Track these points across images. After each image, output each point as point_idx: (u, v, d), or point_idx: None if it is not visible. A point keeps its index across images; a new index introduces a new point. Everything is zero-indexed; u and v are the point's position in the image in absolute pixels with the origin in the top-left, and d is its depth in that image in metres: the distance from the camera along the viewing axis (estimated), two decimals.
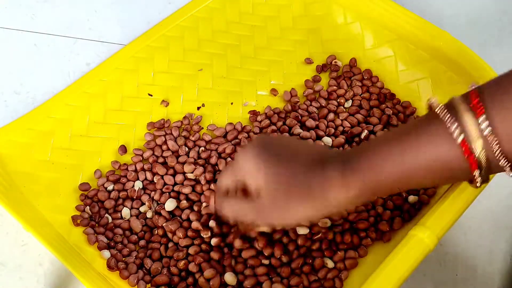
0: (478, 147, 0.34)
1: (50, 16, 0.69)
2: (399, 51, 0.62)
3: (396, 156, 0.36)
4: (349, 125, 0.57)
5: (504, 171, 0.35)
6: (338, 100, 0.60)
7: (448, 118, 0.35)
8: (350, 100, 0.60)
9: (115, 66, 0.62)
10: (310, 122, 0.57)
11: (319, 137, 0.56)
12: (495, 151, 0.34)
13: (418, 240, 0.42)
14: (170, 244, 0.50)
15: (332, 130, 0.57)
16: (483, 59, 0.54)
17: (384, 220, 0.50)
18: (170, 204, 0.52)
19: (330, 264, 0.48)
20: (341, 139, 0.56)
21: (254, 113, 0.59)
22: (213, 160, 0.55)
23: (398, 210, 0.50)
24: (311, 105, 0.59)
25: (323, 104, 0.59)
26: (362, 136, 0.56)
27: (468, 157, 0.34)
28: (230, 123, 0.58)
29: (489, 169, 0.35)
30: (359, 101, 0.59)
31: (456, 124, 0.34)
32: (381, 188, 0.38)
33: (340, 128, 0.57)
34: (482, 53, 0.55)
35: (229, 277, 0.47)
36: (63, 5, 0.70)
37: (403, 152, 0.36)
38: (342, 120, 0.58)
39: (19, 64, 0.65)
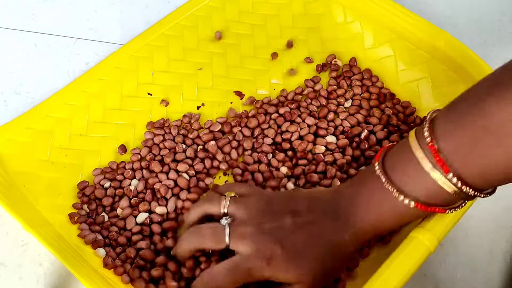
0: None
1: (50, 16, 0.69)
2: (399, 51, 0.62)
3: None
4: (349, 125, 0.57)
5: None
6: (338, 100, 0.60)
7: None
8: (350, 100, 0.60)
9: (114, 65, 0.61)
10: (311, 120, 0.57)
11: (319, 137, 0.56)
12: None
13: (419, 242, 0.42)
14: None
15: (332, 130, 0.57)
16: (483, 59, 0.54)
17: None
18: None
19: None
20: (344, 140, 0.55)
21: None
22: (209, 160, 0.55)
23: None
24: (311, 103, 0.59)
25: (323, 103, 0.59)
26: (362, 136, 0.56)
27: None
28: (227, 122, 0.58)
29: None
30: (359, 101, 0.59)
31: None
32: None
33: (340, 128, 0.57)
34: (482, 53, 0.55)
35: None
36: (63, 5, 0.70)
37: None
38: (342, 119, 0.58)
39: (19, 64, 0.65)
